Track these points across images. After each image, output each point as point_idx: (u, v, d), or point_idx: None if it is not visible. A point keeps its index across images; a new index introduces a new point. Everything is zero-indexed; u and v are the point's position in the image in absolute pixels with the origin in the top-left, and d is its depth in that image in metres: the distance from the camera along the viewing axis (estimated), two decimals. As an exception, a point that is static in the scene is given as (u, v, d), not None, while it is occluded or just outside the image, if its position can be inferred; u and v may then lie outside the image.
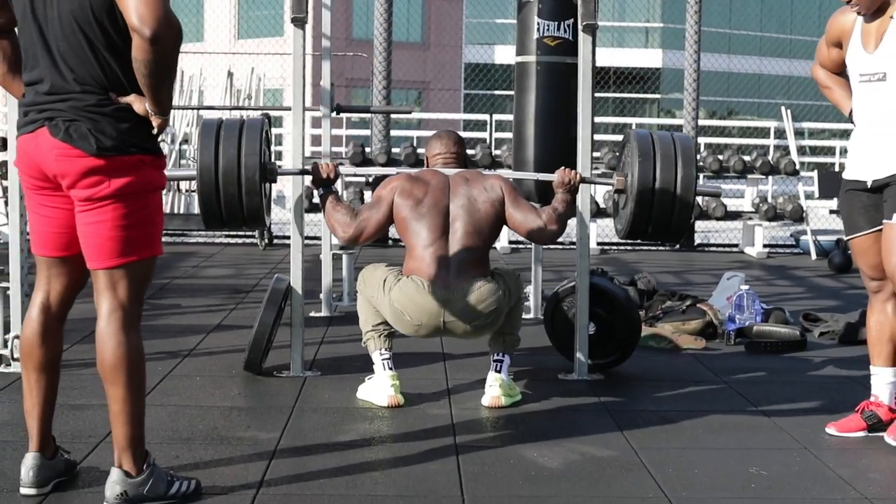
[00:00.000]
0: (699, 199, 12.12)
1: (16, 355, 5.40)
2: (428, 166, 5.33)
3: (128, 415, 3.56)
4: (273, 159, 5.46)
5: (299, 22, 5.51)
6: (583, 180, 5.31)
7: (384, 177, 11.11)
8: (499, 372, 5.04)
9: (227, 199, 5.13)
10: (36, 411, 3.70)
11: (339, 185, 11.71)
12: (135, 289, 3.61)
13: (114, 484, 3.57)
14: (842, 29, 4.67)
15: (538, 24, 6.15)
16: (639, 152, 5.19)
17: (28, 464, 3.68)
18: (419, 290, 4.88)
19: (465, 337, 5.09)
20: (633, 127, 18.95)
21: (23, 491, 3.67)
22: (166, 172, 3.72)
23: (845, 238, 4.86)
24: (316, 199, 10.81)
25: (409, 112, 10.50)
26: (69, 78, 3.50)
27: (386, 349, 5.07)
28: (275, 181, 5.35)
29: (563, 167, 5.24)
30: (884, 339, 4.66)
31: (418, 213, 4.98)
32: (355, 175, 12.33)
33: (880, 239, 4.53)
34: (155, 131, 3.58)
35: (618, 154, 5.53)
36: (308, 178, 5.32)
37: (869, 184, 4.56)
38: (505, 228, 11.16)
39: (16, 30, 3.69)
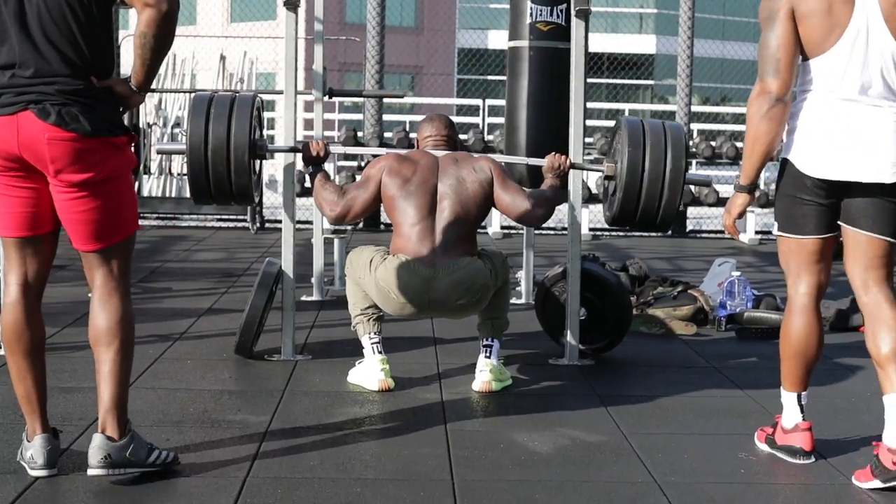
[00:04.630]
0: (690, 186, 12.13)
1: None
2: (418, 149, 5.34)
3: (118, 376, 3.67)
4: (264, 136, 5.46)
5: (292, 6, 5.49)
6: (572, 166, 5.34)
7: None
8: (489, 357, 5.04)
9: (215, 176, 5.17)
10: (35, 395, 3.71)
11: (331, 168, 11.73)
12: (126, 261, 3.75)
13: (97, 449, 3.62)
14: None
15: (531, 8, 6.15)
16: (629, 140, 5.21)
17: (40, 446, 3.68)
18: (405, 268, 4.90)
19: (452, 316, 5.13)
20: (626, 113, 18.95)
21: (36, 473, 3.67)
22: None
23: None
24: (307, 183, 10.81)
25: (402, 96, 10.42)
26: (55, 61, 3.52)
27: (375, 333, 5.07)
28: (265, 157, 5.39)
29: (553, 153, 5.26)
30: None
31: (406, 192, 5.00)
32: (345, 154, 12.30)
33: None
34: (127, 108, 3.75)
35: (609, 139, 5.55)
36: (299, 157, 5.33)
37: None
38: (497, 213, 11.20)
39: None
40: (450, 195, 5.01)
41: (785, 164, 4.11)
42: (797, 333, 4.12)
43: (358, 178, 11.45)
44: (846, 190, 3.97)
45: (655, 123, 5.34)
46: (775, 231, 4.19)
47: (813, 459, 4.10)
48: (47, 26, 3.52)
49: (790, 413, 4.16)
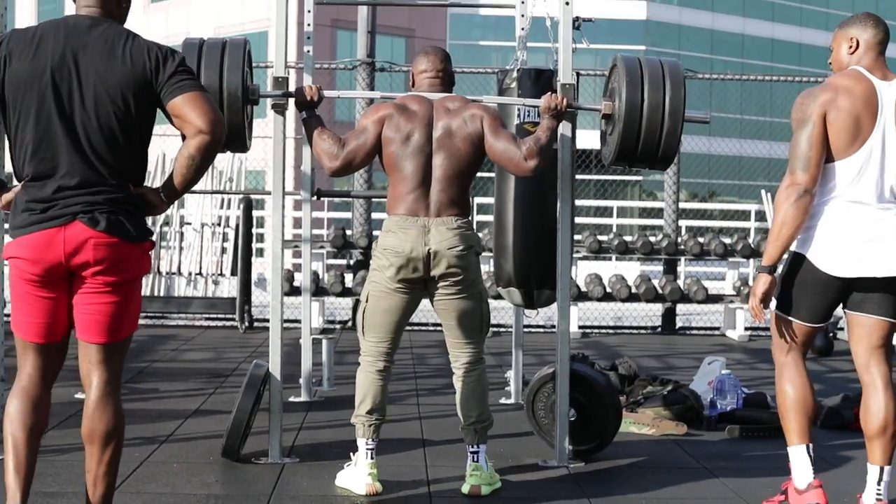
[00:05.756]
0: (680, 282, 12.13)
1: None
2: (413, 84, 5.36)
3: (113, 476, 3.91)
4: (254, 82, 5.46)
5: (280, 108, 5.52)
6: (569, 106, 5.41)
7: (363, 262, 11.15)
8: (477, 461, 5.01)
9: None
10: (24, 468, 3.79)
11: (320, 268, 11.74)
12: (123, 360, 3.95)
13: None
14: None
15: (518, 109, 6.18)
16: (626, 78, 5.26)
17: None
18: (403, 222, 4.98)
19: (451, 275, 5.01)
20: (615, 210, 19.01)
21: None
22: None
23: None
24: (297, 283, 10.80)
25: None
26: (104, 172, 3.75)
27: (372, 440, 5.04)
28: (256, 102, 5.43)
29: (550, 93, 5.38)
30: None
31: (403, 152, 5.04)
32: (335, 254, 12.29)
33: None
34: (152, 215, 3.99)
35: (605, 80, 5.60)
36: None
37: None
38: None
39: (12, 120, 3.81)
40: (442, 155, 5.04)
41: (798, 258, 4.59)
42: (791, 387, 4.57)
43: (347, 276, 11.47)
44: (856, 283, 4.50)
45: (653, 60, 5.41)
46: (772, 307, 4.64)
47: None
48: (96, 140, 3.74)
49: (801, 470, 4.47)
